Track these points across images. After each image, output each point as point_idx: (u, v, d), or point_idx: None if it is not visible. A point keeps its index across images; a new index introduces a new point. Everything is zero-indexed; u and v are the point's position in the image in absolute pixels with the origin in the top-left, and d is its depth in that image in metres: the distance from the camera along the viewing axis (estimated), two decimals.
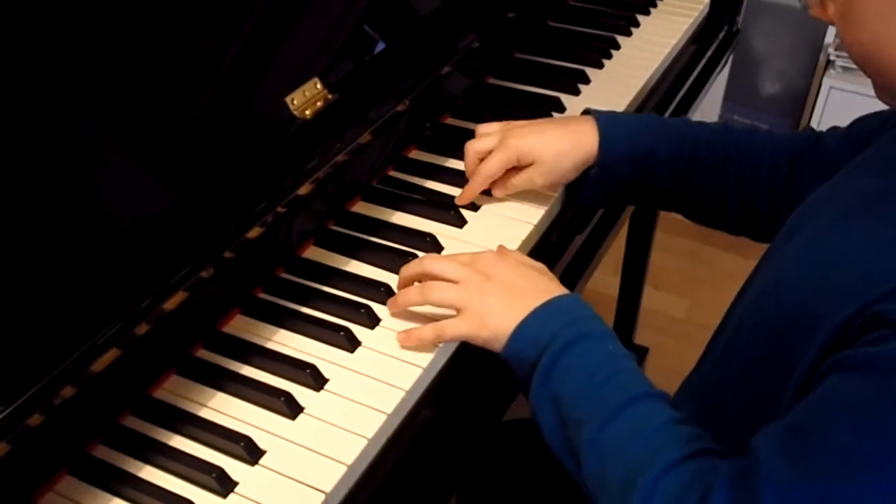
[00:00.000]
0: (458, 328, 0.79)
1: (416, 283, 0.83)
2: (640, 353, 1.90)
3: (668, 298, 2.15)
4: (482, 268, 0.81)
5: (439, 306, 0.81)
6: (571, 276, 0.99)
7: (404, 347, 0.79)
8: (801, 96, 2.15)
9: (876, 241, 0.65)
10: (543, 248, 0.96)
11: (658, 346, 1.95)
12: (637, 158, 0.95)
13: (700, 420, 0.81)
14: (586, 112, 0.99)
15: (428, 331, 0.79)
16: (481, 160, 0.95)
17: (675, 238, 2.20)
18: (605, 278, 2.01)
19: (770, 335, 0.72)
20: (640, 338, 1.93)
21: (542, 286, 0.79)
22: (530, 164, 0.94)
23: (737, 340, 0.78)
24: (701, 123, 1.00)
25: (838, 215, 0.72)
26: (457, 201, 0.95)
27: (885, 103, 0.71)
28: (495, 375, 0.81)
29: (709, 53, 1.36)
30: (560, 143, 0.93)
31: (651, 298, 1.90)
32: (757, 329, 0.75)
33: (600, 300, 1.97)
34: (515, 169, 0.95)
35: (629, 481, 0.65)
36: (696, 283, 2.19)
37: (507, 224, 0.94)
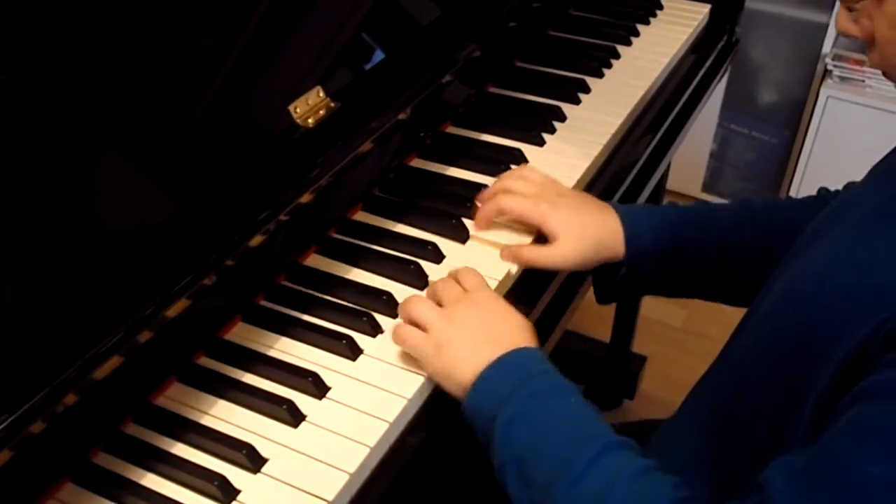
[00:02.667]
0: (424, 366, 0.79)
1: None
2: (639, 363, 1.91)
3: (666, 307, 2.15)
4: (453, 313, 0.79)
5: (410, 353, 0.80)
6: (572, 284, 0.99)
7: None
8: (799, 106, 2.16)
9: (894, 251, 0.64)
10: None
11: (655, 354, 1.95)
12: (665, 253, 0.93)
13: (713, 428, 0.80)
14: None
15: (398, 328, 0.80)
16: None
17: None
18: None
19: (789, 347, 0.71)
20: (638, 346, 1.93)
21: (501, 337, 0.77)
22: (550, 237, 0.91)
23: (755, 351, 0.77)
24: (719, 206, 0.99)
25: (859, 221, 0.72)
26: (474, 227, 0.94)
27: None
28: None
29: (708, 63, 1.36)
30: (587, 229, 0.91)
31: (648, 307, 1.90)
32: (775, 340, 0.74)
33: (599, 309, 1.96)
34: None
35: None
36: None
37: (508, 237, 0.94)
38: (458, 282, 0.83)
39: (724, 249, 0.94)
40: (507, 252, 0.91)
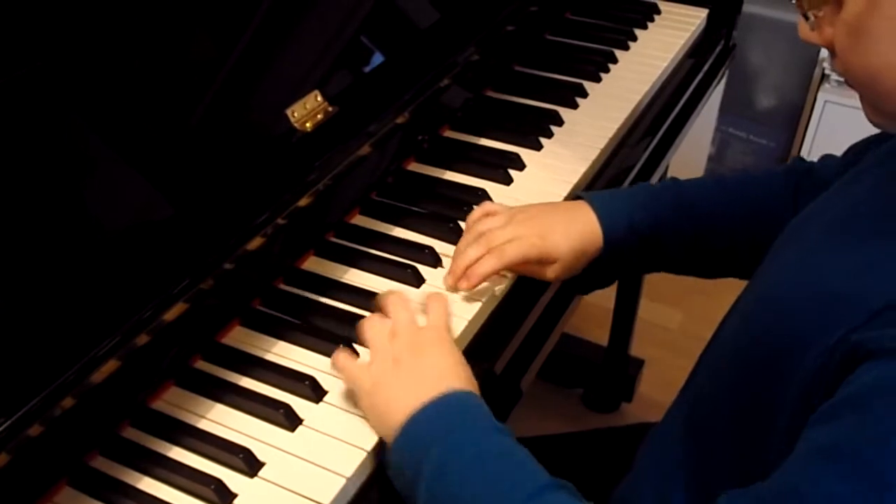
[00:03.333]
0: (354, 371, 0.76)
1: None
2: (637, 366, 1.91)
3: (662, 309, 2.16)
4: (398, 349, 0.76)
5: (362, 340, 0.79)
6: (570, 286, 1.00)
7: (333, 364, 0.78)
8: (797, 110, 2.16)
9: (858, 261, 0.64)
10: None
11: (653, 358, 1.95)
12: (641, 237, 0.93)
13: (691, 437, 0.80)
14: (577, 197, 0.96)
15: (340, 357, 0.78)
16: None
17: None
18: (602, 291, 2.01)
19: (760, 355, 0.70)
20: (635, 350, 1.93)
21: (439, 381, 0.74)
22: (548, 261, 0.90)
23: (728, 355, 0.77)
24: (690, 182, 0.98)
25: (824, 231, 0.72)
26: (448, 281, 0.88)
27: (878, 126, 0.68)
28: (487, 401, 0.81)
29: (706, 68, 1.36)
30: (576, 241, 0.90)
31: (644, 309, 1.90)
32: (747, 346, 0.74)
33: (596, 313, 1.97)
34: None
35: None
36: (689, 294, 2.19)
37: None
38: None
39: (699, 228, 0.94)
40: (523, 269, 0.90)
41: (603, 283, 1.00)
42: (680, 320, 2.16)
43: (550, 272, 0.90)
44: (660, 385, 1.96)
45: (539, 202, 0.96)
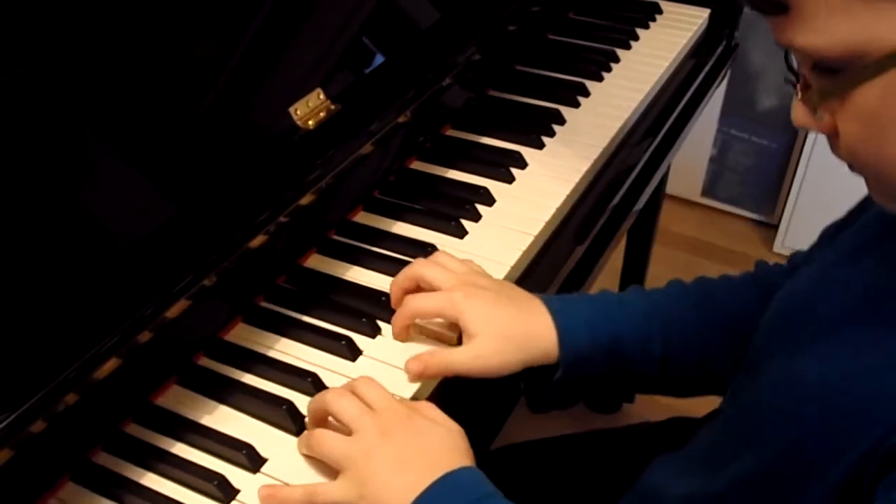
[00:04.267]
0: (333, 493, 0.68)
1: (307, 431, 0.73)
2: None
3: None
4: (383, 420, 0.69)
5: (326, 461, 0.70)
6: (571, 288, 1.00)
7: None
8: None
9: (890, 353, 0.59)
10: (546, 254, 0.96)
11: None
12: (605, 353, 0.81)
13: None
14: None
15: (297, 492, 0.68)
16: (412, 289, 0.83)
17: (672, 251, 2.20)
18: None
19: (772, 483, 0.66)
20: None
21: (435, 456, 0.68)
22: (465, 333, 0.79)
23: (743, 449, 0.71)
24: (654, 292, 0.89)
25: (844, 320, 0.64)
26: (394, 337, 0.82)
27: (886, 205, 0.61)
28: (486, 401, 0.81)
29: (707, 68, 1.37)
30: (510, 328, 0.78)
31: None
32: (753, 474, 0.68)
33: None
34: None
35: None
36: None
37: (508, 235, 0.94)
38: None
39: (668, 343, 0.84)
40: (413, 363, 0.77)
41: (561, 403, 0.86)
42: None
43: (473, 354, 0.77)
44: None
45: (496, 279, 0.86)
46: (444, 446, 0.69)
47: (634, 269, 1.83)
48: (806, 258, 0.80)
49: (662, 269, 2.11)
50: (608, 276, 1.77)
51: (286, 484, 0.70)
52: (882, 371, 0.58)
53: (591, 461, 1.03)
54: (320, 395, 0.73)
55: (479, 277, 0.84)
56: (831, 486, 0.59)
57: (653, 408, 1.90)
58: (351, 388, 0.73)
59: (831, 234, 0.77)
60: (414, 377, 0.78)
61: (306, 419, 0.74)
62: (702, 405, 0.92)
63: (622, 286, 1.84)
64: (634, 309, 0.84)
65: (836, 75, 0.55)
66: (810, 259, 0.77)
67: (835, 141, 0.59)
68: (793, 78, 0.60)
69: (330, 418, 0.72)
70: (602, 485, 0.97)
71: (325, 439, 0.70)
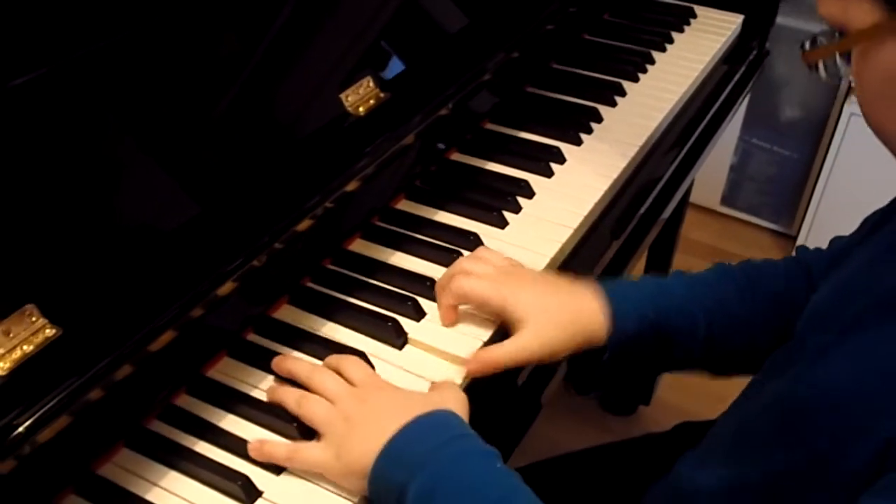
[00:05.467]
0: (311, 455, 0.70)
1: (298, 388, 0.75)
2: None
3: None
4: (363, 391, 0.72)
5: (309, 424, 0.72)
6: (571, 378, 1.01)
7: (255, 457, 0.71)
8: (821, 122, 2.17)
9: None
10: (583, 248, 0.98)
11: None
12: (650, 333, 0.83)
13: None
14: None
15: (281, 448, 0.71)
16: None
17: (689, 259, 2.22)
18: None
19: (800, 457, 0.67)
20: None
21: (416, 409, 0.69)
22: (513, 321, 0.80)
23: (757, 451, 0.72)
24: (700, 275, 0.90)
25: (877, 316, 0.65)
26: (442, 322, 0.84)
27: None
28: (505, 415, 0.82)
29: (739, 74, 1.38)
30: (558, 315, 0.80)
31: None
32: (787, 447, 0.69)
33: None
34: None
35: None
36: None
37: (548, 227, 0.96)
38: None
39: (713, 326, 0.85)
40: (469, 362, 0.79)
41: (603, 384, 0.90)
42: None
43: (524, 343, 0.79)
44: (677, 389, 1.97)
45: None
46: (429, 401, 0.71)
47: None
48: (847, 245, 0.81)
49: None
50: None
51: (311, 482, 0.70)
52: None
53: (601, 477, 1.03)
54: (308, 366, 0.76)
55: (523, 268, 0.87)
56: (856, 465, 0.60)
57: (667, 411, 1.92)
58: (336, 365, 0.76)
59: (873, 225, 0.78)
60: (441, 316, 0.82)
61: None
62: (709, 407, 0.92)
63: None
64: (680, 292, 0.86)
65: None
66: (849, 251, 0.78)
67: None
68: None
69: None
70: (616, 499, 0.98)
71: (313, 403, 0.72)
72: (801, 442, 0.66)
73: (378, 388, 0.73)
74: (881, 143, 0.66)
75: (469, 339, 0.82)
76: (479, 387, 0.79)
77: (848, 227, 0.85)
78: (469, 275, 0.83)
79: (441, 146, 1.06)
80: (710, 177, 2.35)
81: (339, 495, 0.69)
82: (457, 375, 0.79)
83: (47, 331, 0.64)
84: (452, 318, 0.83)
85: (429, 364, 0.80)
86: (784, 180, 2.31)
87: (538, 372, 0.87)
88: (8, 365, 0.62)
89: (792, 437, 0.67)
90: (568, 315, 0.80)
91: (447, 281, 0.84)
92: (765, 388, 0.76)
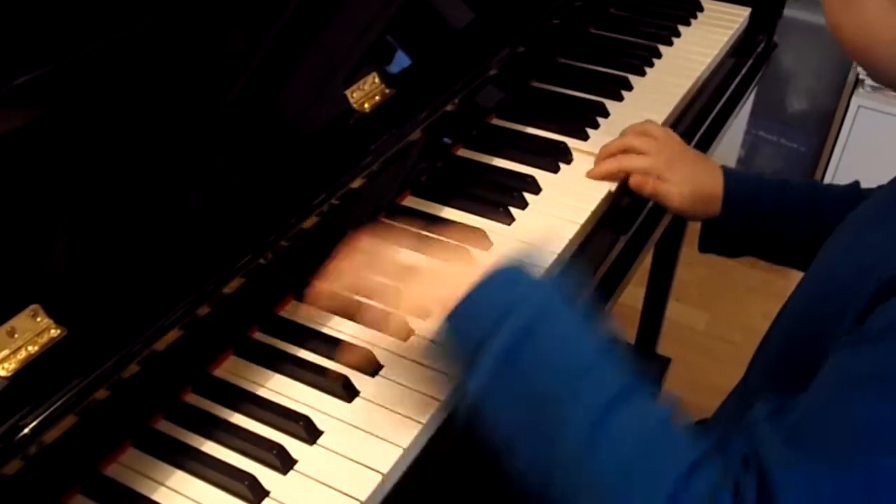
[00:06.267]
0: (412, 296, 0.73)
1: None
2: (663, 364, 1.92)
3: (689, 311, 2.17)
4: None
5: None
6: (611, 282, 1.01)
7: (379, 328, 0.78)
8: (829, 114, 2.16)
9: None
10: (590, 244, 0.98)
11: (678, 358, 1.96)
12: (755, 214, 0.99)
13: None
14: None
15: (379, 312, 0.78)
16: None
17: (696, 251, 2.21)
18: (630, 289, 2.02)
19: (803, 337, 0.73)
20: (661, 349, 1.94)
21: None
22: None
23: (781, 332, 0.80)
24: (831, 186, 1.02)
25: (872, 210, 0.75)
26: (590, 174, 1.02)
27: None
28: None
29: (746, 67, 1.37)
30: (703, 189, 1.00)
31: (672, 310, 1.91)
32: (793, 335, 0.76)
33: (625, 312, 1.98)
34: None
35: (647, 480, 0.58)
36: (716, 297, 2.20)
37: (554, 223, 0.95)
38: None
39: (818, 222, 0.97)
40: (608, 164, 1.01)
41: (722, 248, 1.05)
42: (707, 322, 2.16)
43: (675, 195, 0.99)
44: (685, 384, 1.96)
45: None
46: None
47: (663, 269, 1.83)
48: None
49: (687, 268, 2.12)
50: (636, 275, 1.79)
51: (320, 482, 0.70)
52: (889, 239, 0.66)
53: None
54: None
55: (678, 144, 1.04)
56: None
57: None
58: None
59: None
60: (600, 173, 1.02)
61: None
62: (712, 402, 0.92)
63: (650, 285, 1.85)
64: (799, 190, 1.00)
65: None
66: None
67: None
68: None
69: None
70: None
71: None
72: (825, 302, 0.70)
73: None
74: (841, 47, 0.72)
75: None
76: None
77: None
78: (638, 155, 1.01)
79: (447, 142, 1.06)
80: None
81: (346, 495, 0.69)
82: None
83: (52, 331, 0.64)
84: (600, 177, 1.02)
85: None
86: (791, 173, 2.30)
87: None
88: (13, 366, 0.62)
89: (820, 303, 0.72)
90: (708, 190, 1.00)
91: (617, 150, 1.02)
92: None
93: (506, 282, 0.66)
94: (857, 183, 1.00)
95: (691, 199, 1.00)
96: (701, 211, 1.01)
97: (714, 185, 1.00)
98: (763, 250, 1.03)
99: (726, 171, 1.01)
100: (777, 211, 0.99)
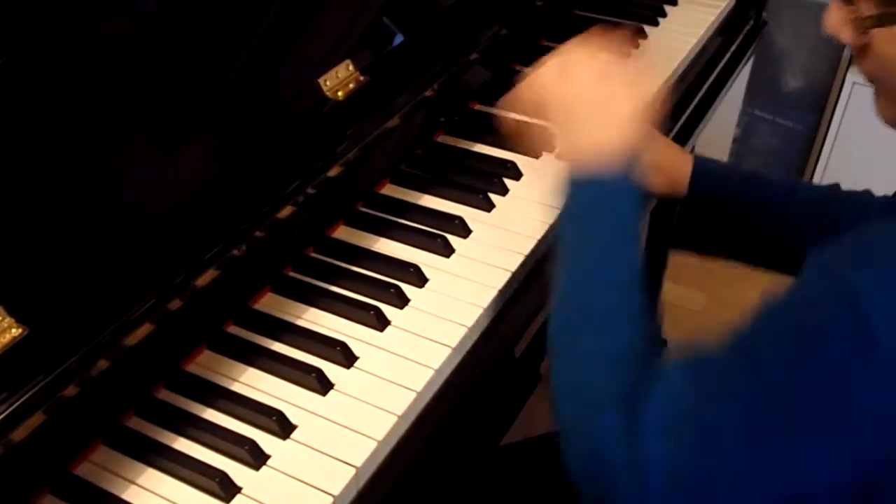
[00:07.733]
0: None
1: None
2: (660, 346, 1.90)
3: (686, 292, 2.15)
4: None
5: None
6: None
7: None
8: (824, 91, 2.14)
9: None
10: None
11: (674, 339, 1.95)
12: (728, 181, 0.98)
13: None
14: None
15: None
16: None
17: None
18: None
19: None
20: None
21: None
22: None
23: None
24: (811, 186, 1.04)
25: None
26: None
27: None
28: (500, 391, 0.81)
29: (735, 45, 1.35)
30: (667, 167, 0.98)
31: (668, 291, 1.90)
32: None
33: None
34: None
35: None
36: (713, 278, 2.18)
37: (535, 209, 0.94)
38: None
39: (789, 204, 0.97)
40: None
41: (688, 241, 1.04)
42: (704, 303, 2.15)
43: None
44: None
45: None
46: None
47: (658, 249, 1.82)
48: None
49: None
50: None
51: (292, 477, 0.70)
52: None
53: None
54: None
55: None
56: None
57: None
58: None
59: None
60: None
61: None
62: None
63: (646, 267, 1.83)
64: (767, 180, 0.99)
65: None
66: None
67: (863, 58, 0.73)
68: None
69: None
70: None
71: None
72: None
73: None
74: None
75: (452, 326, 0.80)
76: (479, 355, 0.79)
77: None
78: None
79: (427, 128, 1.04)
80: (714, 150, 2.32)
81: (319, 489, 0.68)
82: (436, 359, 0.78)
83: (13, 331, 0.63)
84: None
85: (411, 348, 0.78)
86: (788, 151, 2.28)
87: (536, 343, 0.86)
88: None
89: None
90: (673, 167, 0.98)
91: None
92: None
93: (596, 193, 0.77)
94: (836, 185, 0.98)
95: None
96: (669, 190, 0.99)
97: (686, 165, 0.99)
98: (732, 246, 1.01)
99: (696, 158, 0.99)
100: (744, 199, 0.97)
